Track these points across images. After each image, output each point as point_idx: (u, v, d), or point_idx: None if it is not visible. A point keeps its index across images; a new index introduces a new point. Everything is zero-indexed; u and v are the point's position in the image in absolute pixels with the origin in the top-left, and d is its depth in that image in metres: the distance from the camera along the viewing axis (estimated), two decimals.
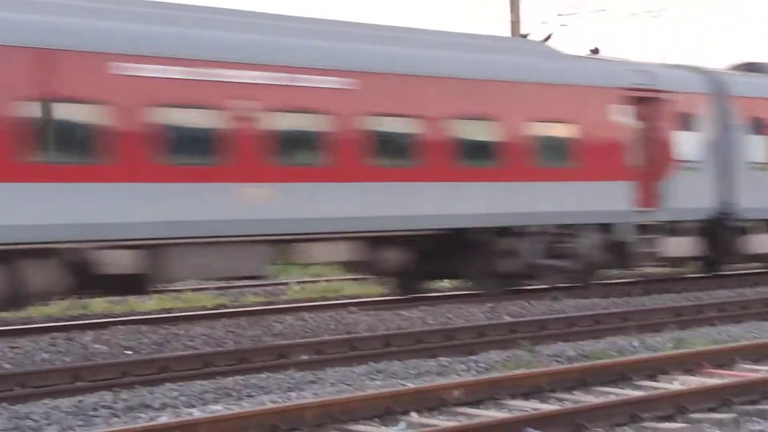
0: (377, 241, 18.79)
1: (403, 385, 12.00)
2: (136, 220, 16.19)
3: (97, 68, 15.96)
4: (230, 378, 12.79)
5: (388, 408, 10.11)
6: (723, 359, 13.63)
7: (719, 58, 76.11)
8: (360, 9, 72.24)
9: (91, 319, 20.05)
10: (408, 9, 69.43)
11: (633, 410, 10.27)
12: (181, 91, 16.59)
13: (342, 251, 18.41)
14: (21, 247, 15.22)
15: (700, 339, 16.33)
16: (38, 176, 15.29)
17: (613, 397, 11.09)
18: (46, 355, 14.85)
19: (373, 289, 24.01)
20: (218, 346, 15.86)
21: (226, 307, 21.89)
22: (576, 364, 13.31)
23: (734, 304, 21.09)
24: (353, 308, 19.11)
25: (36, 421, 10.75)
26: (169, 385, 12.51)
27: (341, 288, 25.97)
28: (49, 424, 10.59)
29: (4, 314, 18.49)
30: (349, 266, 20.54)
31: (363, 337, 16.22)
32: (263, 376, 12.97)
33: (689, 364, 13.14)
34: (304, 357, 14.64)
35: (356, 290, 25.35)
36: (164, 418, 10.50)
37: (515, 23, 33.68)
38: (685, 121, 21.71)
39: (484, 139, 19.58)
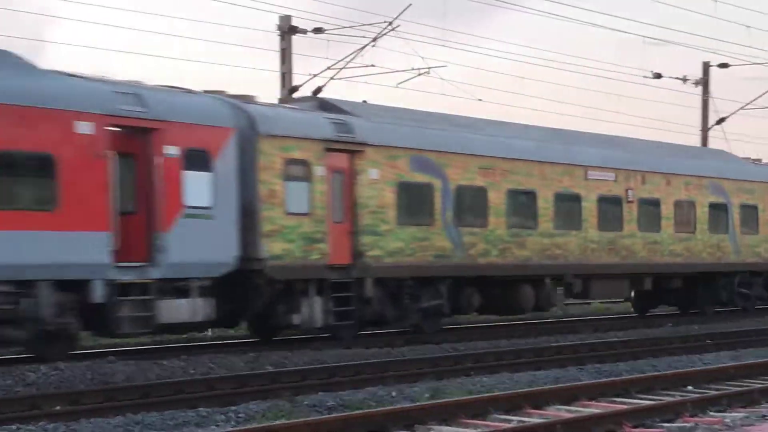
0: None
1: None
2: None
3: None
4: None
5: None
6: (477, 409, 13.58)
7: None
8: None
9: None
10: (170, 68, 69.26)
11: None
12: None
13: None
14: None
15: (457, 389, 16.31)
16: None
17: None
18: None
19: (132, 338, 22.14)
20: None
21: None
22: (335, 415, 13.20)
23: (489, 355, 21.19)
24: (112, 357, 18.23)
25: None
26: None
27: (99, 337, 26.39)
28: None
29: None
30: None
31: (121, 387, 15.51)
32: (14, 427, 12.19)
33: (445, 413, 13.10)
34: (58, 408, 13.79)
35: (115, 339, 23.21)
36: None
37: (286, 75, 32.88)
38: None
39: None
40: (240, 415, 13.51)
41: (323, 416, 13.29)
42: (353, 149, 22.06)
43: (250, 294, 20.09)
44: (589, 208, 27.40)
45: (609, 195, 28.03)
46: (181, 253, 18.70)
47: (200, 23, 48.50)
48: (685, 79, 43.69)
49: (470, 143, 24.80)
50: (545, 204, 26.37)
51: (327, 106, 22.98)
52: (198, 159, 19.01)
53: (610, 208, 27.89)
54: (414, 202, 23.02)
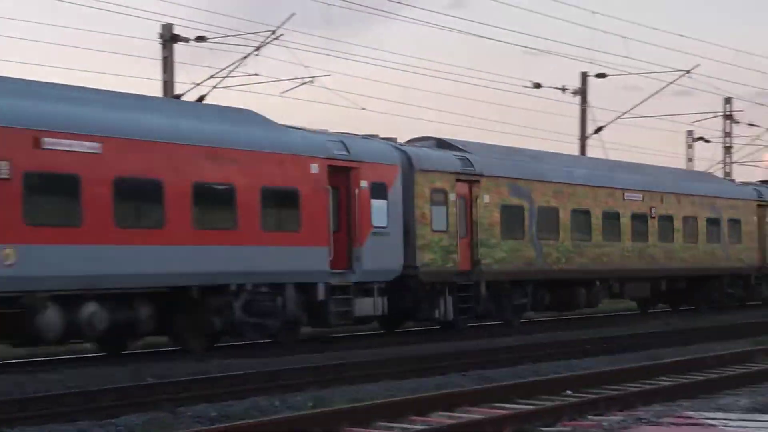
0: None
1: None
2: None
3: None
4: None
5: None
6: (360, 417, 11.63)
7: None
8: None
9: None
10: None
11: None
12: None
13: None
14: None
15: (340, 398, 14.04)
16: None
17: None
18: None
19: (6, 351, 20.30)
20: None
21: None
22: (217, 426, 11.41)
23: (373, 363, 18.54)
24: None
25: None
26: None
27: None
28: None
29: None
30: None
31: None
32: None
33: (328, 422, 11.23)
34: None
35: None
36: None
37: (167, 83, 29.75)
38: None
39: None
40: (120, 428, 12.12)
41: (205, 427, 11.38)
42: (473, 179, 26.31)
43: (406, 294, 24.60)
44: (626, 223, 31.62)
45: (639, 212, 32.26)
46: (370, 263, 23.25)
47: (80, 31, 47.80)
48: (564, 89, 39.74)
49: (547, 172, 29.14)
50: (596, 220, 30.33)
51: (443, 143, 27.38)
52: (379, 190, 23.72)
53: (639, 223, 32.23)
54: (511, 220, 27.48)
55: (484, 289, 26.59)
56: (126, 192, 19.16)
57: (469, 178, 26.51)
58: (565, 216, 29.67)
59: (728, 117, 48.67)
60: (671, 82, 39.22)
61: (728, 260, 36.71)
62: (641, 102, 43.97)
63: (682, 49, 45.26)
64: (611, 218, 31.31)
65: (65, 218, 18.43)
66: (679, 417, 11.08)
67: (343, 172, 23.05)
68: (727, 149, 49.76)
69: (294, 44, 28.83)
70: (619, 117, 39.94)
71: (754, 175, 52.25)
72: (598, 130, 39.69)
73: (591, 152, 38.38)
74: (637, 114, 49.21)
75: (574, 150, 38.62)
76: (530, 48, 68.23)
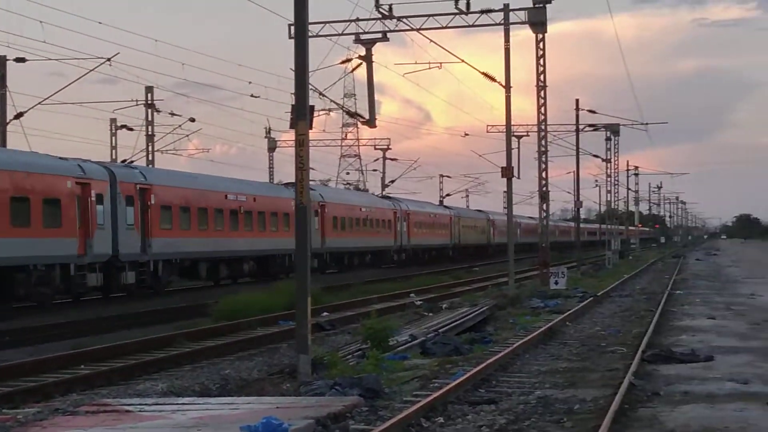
0: None
1: None
2: None
3: None
4: None
5: None
6: None
7: None
8: None
9: None
10: None
11: None
12: None
13: None
14: None
15: None
16: None
17: None
18: None
19: None
20: None
21: None
22: None
23: None
24: None
25: None
26: None
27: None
28: None
29: None
30: None
31: None
32: None
33: None
34: None
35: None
36: None
37: None
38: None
39: None
40: None
41: None
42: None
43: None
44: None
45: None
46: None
47: None
48: None
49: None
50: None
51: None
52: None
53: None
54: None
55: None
56: None
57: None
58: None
59: (150, 106, 50.15)
60: (92, 69, 38.71)
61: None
62: (63, 88, 43.12)
63: (103, 37, 45.28)
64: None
65: None
66: (95, 405, 11.06)
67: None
68: (150, 137, 51.36)
69: None
70: (39, 103, 39.00)
71: (179, 162, 54.93)
72: (19, 115, 38.72)
73: (12, 139, 37.24)
74: (60, 100, 48.51)
75: None
76: None
